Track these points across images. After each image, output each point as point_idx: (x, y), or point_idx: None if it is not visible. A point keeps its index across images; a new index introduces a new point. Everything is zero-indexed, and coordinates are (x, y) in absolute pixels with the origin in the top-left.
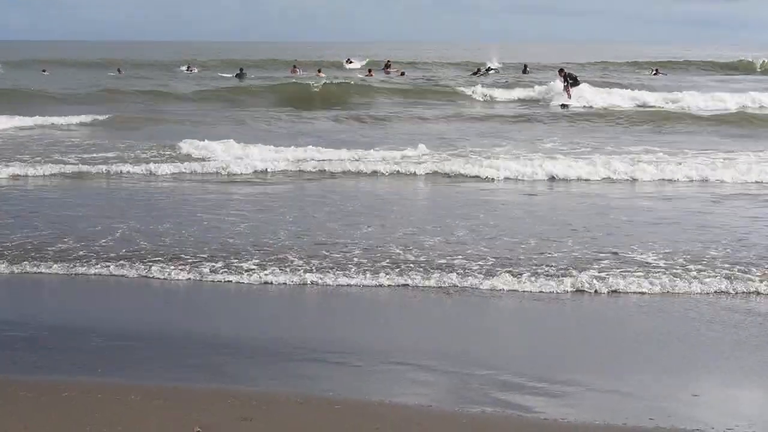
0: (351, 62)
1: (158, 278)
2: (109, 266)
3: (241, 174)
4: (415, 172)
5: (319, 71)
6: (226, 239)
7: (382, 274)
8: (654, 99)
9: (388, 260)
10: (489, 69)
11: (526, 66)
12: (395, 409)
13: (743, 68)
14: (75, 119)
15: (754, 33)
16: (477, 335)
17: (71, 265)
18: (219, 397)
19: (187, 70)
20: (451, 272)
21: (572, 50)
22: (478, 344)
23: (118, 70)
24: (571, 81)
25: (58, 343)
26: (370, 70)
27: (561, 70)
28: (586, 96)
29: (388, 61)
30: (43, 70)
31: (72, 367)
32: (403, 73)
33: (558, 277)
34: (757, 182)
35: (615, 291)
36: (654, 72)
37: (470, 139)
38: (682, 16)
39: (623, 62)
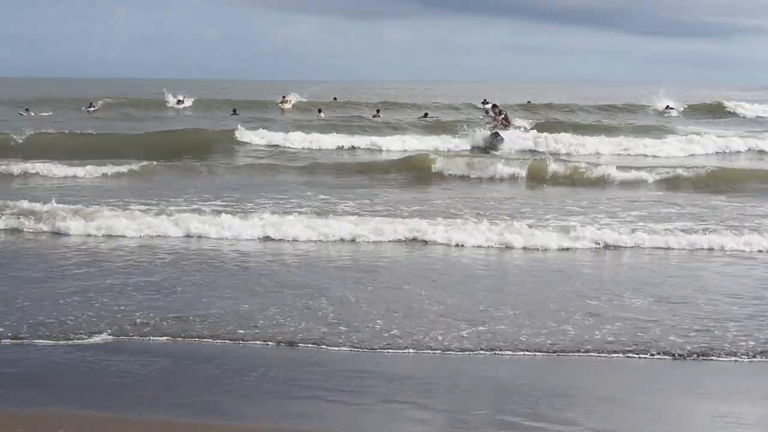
0: (335, 99)
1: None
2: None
3: None
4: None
5: (320, 111)
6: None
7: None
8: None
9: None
10: (485, 102)
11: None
12: None
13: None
14: None
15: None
16: (474, 373)
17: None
18: None
19: (178, 103)
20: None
21: (571, 91)
22: (475, 383)
23: (90, 105)
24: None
25: (54, 379)
26: (378, 110)
27: (494, 106)
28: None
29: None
30: (26, 109)
31: (68, 402)
32: (426, 114)
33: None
34: None
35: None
36: (666, 107)
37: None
38: (675, 56)
39: (624, 103)
